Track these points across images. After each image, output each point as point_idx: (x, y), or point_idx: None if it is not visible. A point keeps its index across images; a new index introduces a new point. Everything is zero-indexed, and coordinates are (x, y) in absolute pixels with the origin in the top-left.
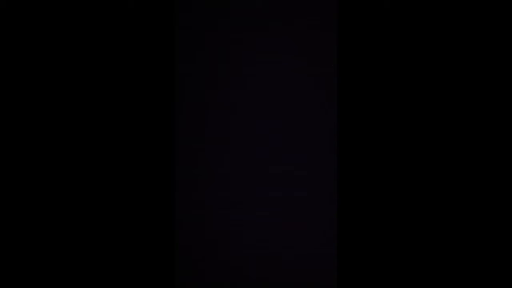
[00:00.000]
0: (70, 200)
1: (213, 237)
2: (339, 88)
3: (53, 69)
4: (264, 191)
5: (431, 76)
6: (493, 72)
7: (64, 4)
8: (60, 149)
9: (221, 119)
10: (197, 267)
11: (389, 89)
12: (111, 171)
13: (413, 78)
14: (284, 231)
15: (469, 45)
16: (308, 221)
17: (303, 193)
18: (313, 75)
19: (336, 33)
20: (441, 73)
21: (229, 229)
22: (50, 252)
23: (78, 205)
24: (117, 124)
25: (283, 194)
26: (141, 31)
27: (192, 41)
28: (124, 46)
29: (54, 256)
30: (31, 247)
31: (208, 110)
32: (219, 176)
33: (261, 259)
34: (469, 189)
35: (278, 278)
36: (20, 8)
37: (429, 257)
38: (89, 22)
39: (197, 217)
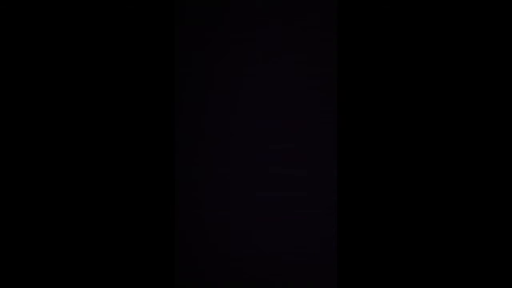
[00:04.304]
0: (70, 200)
1: (213, 237)
2: (339, 88)
3: (53, 69)
4: (264, 191)
5: (432, 76)
6: (493, 72)
7: (64, 4)
8: (60, 150)
9: (221, 119)
10: (197, 267)
11: (390, 89)
12: (111, 171)
13: (414, 78)
14: (284, 231)
15: (470, 44)
16: (308, 221)
17: (303, 193)
18: (314, 75)
19: (336, 33)
20: (442, 73)
21: (229, 229)
22: (50, 252)
23: (79, 205)
24: (117, 124)
25: (283, 194)
26: (141, 31)
27: (192, 41)
28: (123, 46)
29: (54, 255)
30: (31, 247)
31: (208, 110)
32: (219, 176)
33: (261, 259)
34: (469, 189)
35: (278, 278)
36: (20, 7)
37: (429, 257)
38: (89, 22)
39: (197, 217)
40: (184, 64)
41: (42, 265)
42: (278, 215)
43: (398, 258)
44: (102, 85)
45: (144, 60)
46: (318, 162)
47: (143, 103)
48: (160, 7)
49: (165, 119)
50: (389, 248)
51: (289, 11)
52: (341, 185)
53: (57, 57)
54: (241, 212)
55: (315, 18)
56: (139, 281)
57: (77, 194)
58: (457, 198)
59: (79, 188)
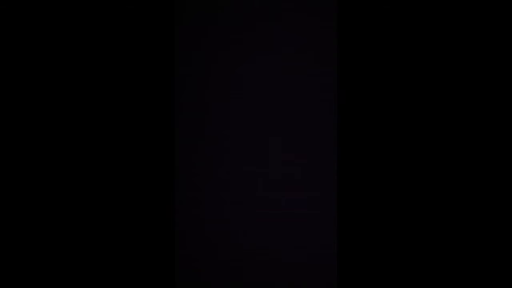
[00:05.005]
0: (70, 200)
1: (213, 237)
2: (339, 88)
3: (53, 70)
4: (264, 191)
5: (432, 75)
6: (493, 72)
7: (63, 4)
8: (60, 149)
9: (221, 119)
10: (197, 267)
11: (390, 88)
12: (111, 171)
13: (413, 78)
14: (284, 232)
15: (470, 43)
16: (308, 221)
17: (303, 193)
18: (313, 75)
19: (336, 32)
20: (442, 72)
21: (229, 229)
22: (50, 252)
23: (79, 205)
24: (117, 125)
25: (283, 194)
26: (141, 31)
27: (192, 41)
28: (124, 46)
29: (53, 255)
30: (29, 248)
31: (208, 110)
32: (219, 176)
33: (261, 259)
34: (470, 188)
35: (278, 278)
36: (19, 7)
37: (429, 256)
38: (90, 22)
39: (197, 217)
40: (184, 64)
41: (42, 265)
42: (278, 215)
43: (398, 258)
44: (102, 85)
45: (144, 60)
46: (318, 162)
47: (143, 103)
48: (160, 7)
49: (165, 119)
50: (389, 248)
51: (289, 11)
52: (341, 185)
53: (57, 57)
54: (241, 212)
55: (316, 17)
56: (139, 281)
57: (77, 195)
58: (457, 198)
59: (79, 189)
